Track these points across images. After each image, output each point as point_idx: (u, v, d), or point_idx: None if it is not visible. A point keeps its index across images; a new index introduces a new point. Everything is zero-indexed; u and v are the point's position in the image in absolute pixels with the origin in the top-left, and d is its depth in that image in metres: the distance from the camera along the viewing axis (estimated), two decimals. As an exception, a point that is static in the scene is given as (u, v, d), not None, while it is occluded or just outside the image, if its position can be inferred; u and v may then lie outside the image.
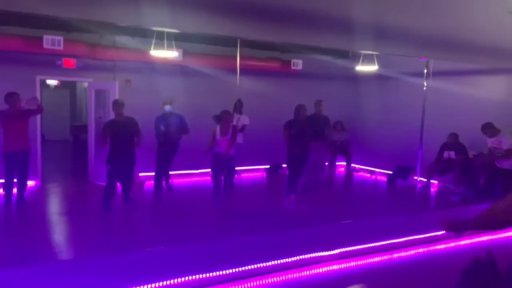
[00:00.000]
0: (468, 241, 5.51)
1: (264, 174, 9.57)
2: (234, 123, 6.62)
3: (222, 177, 6.48)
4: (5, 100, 6.08)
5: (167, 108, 7.30)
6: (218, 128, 6.34)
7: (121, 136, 5.87)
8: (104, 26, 6.89)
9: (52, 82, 13.23)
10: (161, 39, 6.32)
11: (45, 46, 6.65)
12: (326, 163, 9.08)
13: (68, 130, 13.00)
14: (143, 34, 7.11)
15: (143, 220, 6.13)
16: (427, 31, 5.75)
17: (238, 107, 7.44)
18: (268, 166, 9.61)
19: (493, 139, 6.92)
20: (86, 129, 8.48)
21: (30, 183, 7.51)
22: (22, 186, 6.37)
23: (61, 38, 6.79)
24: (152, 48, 6.20)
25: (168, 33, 6.10)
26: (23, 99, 6.17)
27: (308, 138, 6.71)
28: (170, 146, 7.36)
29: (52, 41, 6.68)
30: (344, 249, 4.78)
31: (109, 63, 7.97)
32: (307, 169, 6.99)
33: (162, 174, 7.55)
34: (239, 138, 7.35)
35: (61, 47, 6.76)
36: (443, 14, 5.81)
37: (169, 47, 6.54)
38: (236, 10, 4.82)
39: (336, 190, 8.88)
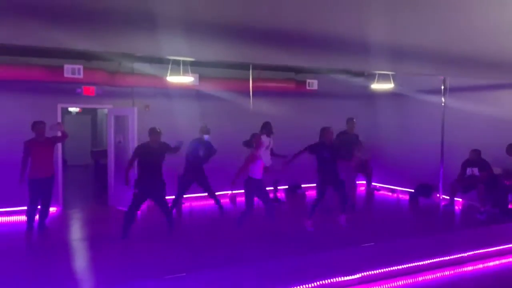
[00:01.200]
0: (496, 262, 5.30)
1: (283, 195, 9.47)
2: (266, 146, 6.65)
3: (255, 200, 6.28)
4: (32, 128, 6.31)
5: (206, 137, 7.30)
6: (255, 151, 6.13)
7: (152, 161, 5.97)
8: (123, 55, 7.09)
9: (73, 108, 13.56)
10: (178, 65, 6.44)
11: (65, 75, 6.85)
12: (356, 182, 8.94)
13: (89, 155, 13.23)
14: (160, 60, 7.25)
15: (165, 246, 6.10)
16: (443, 49, 5.70)
17: (268, 129, 7.60)
18: (286, 187, 9.53)
19: None
20: (106, 153, 8.62)
21: (52, 209, 7.64)
22: (44, 212, 6.49)
23: (81, 67, 6.98)
24: (168, 74, 6.30)
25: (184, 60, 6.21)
26: (47, 125, 6.36)
27: (338, 161, 6.63)
28: (197, 172, 7.29)
29: (72, 70, 6.88)
30: (365, 273, 4.66)
31: (127, 90, 8.14)
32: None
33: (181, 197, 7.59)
34: (268, 160, 7.39)
35: (81, 76, 6.94)
36: (457, 31, 5.75)
37: (185, 72, 6.66)
38: (251, 36, 4.87)
39: (358, 210, 8.71)
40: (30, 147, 6.21)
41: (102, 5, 4.07)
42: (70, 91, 7.78)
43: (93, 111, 15.05)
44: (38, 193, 6.28)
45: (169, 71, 6.32)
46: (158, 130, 6.06)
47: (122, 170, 7.91)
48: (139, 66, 7.89)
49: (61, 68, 6.97)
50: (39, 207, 6.44)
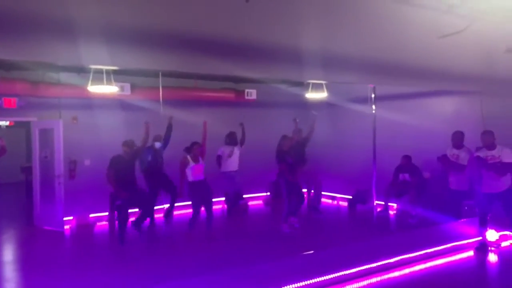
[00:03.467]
0: (422, 266, 5.41)
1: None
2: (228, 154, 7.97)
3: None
4: None
5: (157, 144, 7.47)
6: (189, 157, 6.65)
7: (126, 170, 6.36)
8: (45, 65, 6.69)
9: (3, 122, 12.71)
10: (102, 74, 6.14)
11: (-22, 86, 6.33)
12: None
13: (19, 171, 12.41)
14: (88, 70, 6.92)
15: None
16: (371, 57, 5.84)
17: (232, 139, 8.21)
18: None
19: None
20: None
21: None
22: None
23: (-4, 77, 6.49)
24: (89, 84, 6.00)
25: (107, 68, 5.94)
26: None
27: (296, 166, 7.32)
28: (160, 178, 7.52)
29: (-14, 81, 6.38)
30: (301, 283, 4.58)
31: (54, 101, 7.68)
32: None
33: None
34: (234, 166, 8.25)
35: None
36: (384, 42, 5.91)
37: (110, 81, 6.38)
38: (175, 44, 4.72)
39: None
40: None
41: (20, 12, 3.78)
42: (-13, 103, 7.25)
43: (27, 124, 14.14)
44: None
45: (90, 81, 6.01)
46: (130, 141, 6.53)
47: (47, 187, 7.49)
48: (65, 76, 7.48)
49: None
50: None
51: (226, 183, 8.35)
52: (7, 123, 13.12)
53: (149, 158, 7.33)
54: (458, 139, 6.80)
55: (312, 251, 5.26)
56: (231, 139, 8.26)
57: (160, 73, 7.47)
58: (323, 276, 4.71)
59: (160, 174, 7.49)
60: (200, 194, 6.63)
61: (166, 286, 4.28)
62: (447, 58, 6.11)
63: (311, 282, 4.64)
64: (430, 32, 5.97)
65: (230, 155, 8.16)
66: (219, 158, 8.20)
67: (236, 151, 8.24)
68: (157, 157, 7.46)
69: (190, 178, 6.63)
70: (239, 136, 8.35)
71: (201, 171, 6.72)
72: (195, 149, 6.68)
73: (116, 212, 7.10)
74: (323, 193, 9.93)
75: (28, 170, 10.89)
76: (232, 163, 8.23)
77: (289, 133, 7.88)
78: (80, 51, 4.28)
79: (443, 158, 6.84)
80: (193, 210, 6.66)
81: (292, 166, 7.17)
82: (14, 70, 6.99)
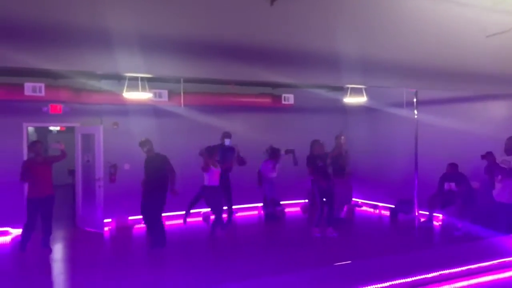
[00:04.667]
0: (465, 283, 5.02)
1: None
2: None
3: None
4: (29, 149, 6.58)
5: (227, 141, 7.71)
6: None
7: (154, 170, 6.28)
8: (87, 73, 6.95)
9: (54, 127, 13.40)
10: (137, 81, 6.28)
11: (26, 93, 6.68)
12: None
13: (67, 174, 12.99)
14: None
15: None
16: (412, 62, 5.60)
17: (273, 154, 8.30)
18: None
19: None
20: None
21: (18, 231, 7.42)
22: (47, 230, 6.45)
23: (42, 85, 6.82)
24: (124, 90, 6.14)
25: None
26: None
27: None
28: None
29: (33, 88, 6.72)
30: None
31: (96, 107, 7.97)
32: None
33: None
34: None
35: (43, 94, 6.77)
36: (426, 43, 5.64)
37: (155, 88, 6.56)
38: (212, 52, 4.74)
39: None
40: (29, 166, 6.23)
41: (59, 23, 3.96)
42: (36, 109, 7.62)
43: (77, 130, 14.87)
44: (36, 213, 6.28)
45: (125, 87, 6.16)
46: (144, 139, 6.48)
47: (89, 190, 7.75)
48: (106, 84, 7.73)
49: (22, 86, 6.80)
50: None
51: (266, 187, 8.38)
52: (58, 128, 13.82)
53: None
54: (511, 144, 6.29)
55: (347, 262, 5.08)
56: (274, 155, 8.35)
57: (196, 80, 7.54)
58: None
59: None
60: (220, 198, 6.86)
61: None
62: (495, 60, 5.70)
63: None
64: (475, 32, 5.60)
65: (274, 169, 8.33)
66: (260, 174, 8.36)
67: (277, 166, 8.39)
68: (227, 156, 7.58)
69: (205, 182, 6.74)
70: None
71: (217, 177, 6.82)
72: (215, 155, 6.84)
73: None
74: (364, 201, 9.68)
75: (74, 173, 11.40)
76: (275, 171, 8.40)
77: (328, 138, 7.72)
78: (117, 60, 4.40)
79: (488, 156, 6.35)
80: (215, 215, 6.87)
81: (323, 171, 7.12)
82: (60, 79, 7.30)
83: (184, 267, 5.65)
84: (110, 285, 5.15)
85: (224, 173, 7.36)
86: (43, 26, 3.83)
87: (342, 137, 7.94)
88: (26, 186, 6.52)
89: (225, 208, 7.41)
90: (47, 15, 3.85)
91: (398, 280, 4.78)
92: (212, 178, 6.76)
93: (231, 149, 7.77)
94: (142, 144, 6.39)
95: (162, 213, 6.43)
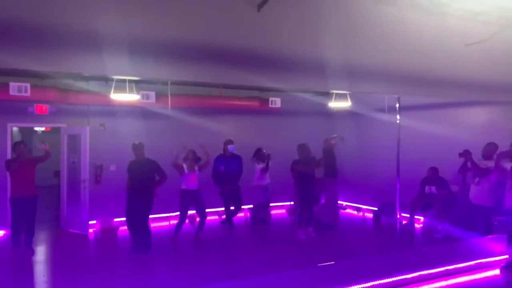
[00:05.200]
0: (443, 283, 5.18)
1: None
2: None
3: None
4: (12, 149, 6.61)
5: (231, 147, 7.88)
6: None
7: (141, 175, 6.25)
8: (74, 74, 6.94)
9: (39, 128, 13.27)
10: (124, 83, 6.32)
11: (11, 93, 6.64)
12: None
13: (53, 175, 12.88)
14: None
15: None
16: (395, 68, 5.77)
17: (259, 156, 8.32)
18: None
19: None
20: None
21: (0, 232, 7.36)
22: (30, 231, 6.47)
23: (28, 85, 6.79)
24: (112, 92, 6.17)
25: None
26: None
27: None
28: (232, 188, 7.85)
29: (18, 88, 6.69)
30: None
31: (83, 108, 7.95)
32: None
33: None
34: (265, 179, 8.40)
35: (28, 94, 6.74)
36: (408, 52, 5.82)
37: (143, 90, 6.58)
38: (202, 55, 4.80)
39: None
40: (11, 166, 6.25)
41: (48, 25, 3.98)
42: (21, 110, 7.58)
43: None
44: (20, 212, 6.31)
45: (112, 89, 6.19)
46: (138, 143, 6.46)
47: (74, 191, 7.72)
48: (93, 84, 7.73)
49: (7, 85, 6.76)
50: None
51: (259, 194, 8.43)
52: (43, 128, 13.69)
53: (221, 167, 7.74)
54: (490, 150, 6.49)
55: (330, 262, 5.17)
56: (258, 156, 8.41)
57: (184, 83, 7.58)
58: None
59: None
60: (189, 204, 6.91)
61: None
62: (474, 68, 5.90)
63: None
64: (456, 41, 5.80)
65: (266, 170, 8.35)
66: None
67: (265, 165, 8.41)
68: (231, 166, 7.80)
69: (182, 186, 6.85)
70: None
71: (196, 181, 6.90)
72: (191, 156, 6.88)
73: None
74: (348, 203, 9.83)
75: (59, 174, 11.31)
76: (266, 178, 8.41)
77: (313, 142, 7.84)
78: (105, 62, 4.44)
79: (466, 154, 6.56)
80: (180, 217, 6.94)
81: (304, 175, 7.25)
82: (46, 79, 7.28)
83: (168, 269, 5.69)
84: (92, 287, 5.15)
85: (233, 181, 7.74)
86: (31, 27, 3.87)
87: (333, 139, 8.02)
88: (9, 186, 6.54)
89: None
90: (36, 17, 3.88)
91: (379, 280, 4.92)
92: (189, 182, 6.86)
93: (236, 157, 7.93)
94: (135, 147, 6.40)
95: (148, 217, 6.45)
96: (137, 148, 6.38)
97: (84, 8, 3.99)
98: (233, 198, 7.99)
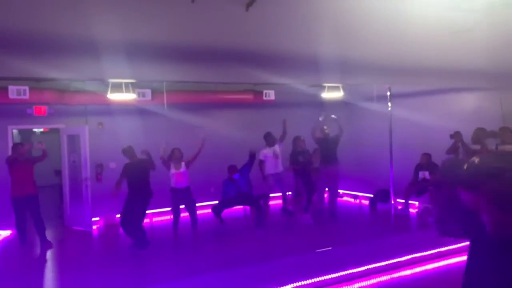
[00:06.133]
0: (436, 265, 5.40)
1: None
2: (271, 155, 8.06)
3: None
4: (12, 150, 6.80)
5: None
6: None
7: (136, 176, 6.38)
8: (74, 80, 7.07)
9: (38, 129, 13.39)
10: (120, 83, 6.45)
11: (10, 96, 6.76)
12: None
13: (53, 174, 13.05)
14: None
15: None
16: (384, 60, 5.94)
17: (268, 139, 8.15)
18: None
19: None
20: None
21: (6, 232, 7.53)
22: (40, 227, 6.69)
23: (27, 88, 6.91)
24: (109, 92, 6.32)
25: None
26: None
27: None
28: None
29: (17, 91, 6.80)
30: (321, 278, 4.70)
31: (80, 108, 8.09)
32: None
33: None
34: (279, 167, 8.18)
35: (27, 96, 6.86)
36: (396, 43, 5.97)
37: (138, 88, 6.71)
38: (202, 55, 4.96)
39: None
40: (11, 164, 6.44)
41: (45, 32, 4.11)
42: (20, 112, 7.71)
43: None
44: (22, 211, 6.53)
45: (109, 88, 6.33)
46: (127, 147, 6.59)
47: (76, 189, 7.89)
48: (90, 84, 7.84)
49: (6, 89, 6.88)
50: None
51: (275, 186, 8.35)
52: (42, 129, 13.81)
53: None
54: (479, 134, 6.67)
55: (328, 248, 5.41)
56: (270, 140, 8.15)
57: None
58: (330, 274, 4.79)
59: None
60: (179, 202, 7.01)
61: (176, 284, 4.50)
62: (460, 55, 6.06)
63: (322, 279, 4.74)
64: (441, 30, 5.95)
65: (276, 156, 8.08)
66: (261, 163, 8.09)
67: (277, 148, 8.14)
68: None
69: (172, 184, 6.97)
70: (277, 133, 8.24)
71: (184, 178, 6.98)
72: (176, 154, 6.96)
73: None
74: (345, 191, 10.02)
75: (60, 174, 11.46)
76: (278, 165, 8.16)
77: (307, 133, 7.99)
78: (102, 66, 4.60)
79: (456, 135, 6.76)
80: (173, 214, 7.08)
81: (305, 166, 7.67)
82: (44, 81, 7.39)
83: (170, 263, 5.88)
84: (100, 280, 5.35)
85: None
86: (29, 34, 4.00)
87: (325, 127, 7.97)
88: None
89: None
90: (33, 24, 4.01)
91: (375, 264, 5.11)
92: (176, 180, 6.96)
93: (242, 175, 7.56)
94: (126, 151, 6.54)
95: (143, 218, 6.56)
96: (128, 152, 6.54)
97: (81, 14, 4.13)
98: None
